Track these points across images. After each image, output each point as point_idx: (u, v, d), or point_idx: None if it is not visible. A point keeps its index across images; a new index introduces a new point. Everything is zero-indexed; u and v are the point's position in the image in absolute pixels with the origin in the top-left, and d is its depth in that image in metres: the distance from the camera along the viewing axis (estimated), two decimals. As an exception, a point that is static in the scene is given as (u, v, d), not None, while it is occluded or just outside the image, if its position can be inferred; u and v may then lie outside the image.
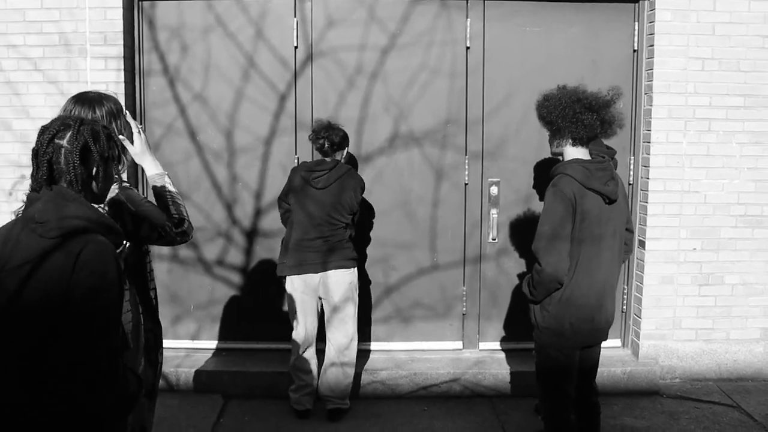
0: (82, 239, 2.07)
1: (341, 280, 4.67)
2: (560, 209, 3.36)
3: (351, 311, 4.76)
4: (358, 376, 5.15)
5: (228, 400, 5.11)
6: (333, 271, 4.64)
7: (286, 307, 5.35)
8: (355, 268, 4.78)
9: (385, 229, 5.52)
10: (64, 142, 2.16)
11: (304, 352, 4.76)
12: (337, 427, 4.72)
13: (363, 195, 4.87)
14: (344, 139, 4.74)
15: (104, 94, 3.02)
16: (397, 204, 5.49)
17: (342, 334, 4.76)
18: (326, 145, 4.65)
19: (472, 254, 5.53)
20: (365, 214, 5.43)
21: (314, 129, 4.74)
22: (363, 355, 5.48)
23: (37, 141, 2.18)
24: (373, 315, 5.61)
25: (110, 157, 2.29)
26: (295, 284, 4.69)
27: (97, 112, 2.92)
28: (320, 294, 4.71)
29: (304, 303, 4.71)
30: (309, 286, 4.67)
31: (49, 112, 5.13)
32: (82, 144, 2.18)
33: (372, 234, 5.51)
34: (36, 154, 2.18)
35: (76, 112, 2.86)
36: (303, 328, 4.74)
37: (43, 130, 2.19)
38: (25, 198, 2.29)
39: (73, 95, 2.99)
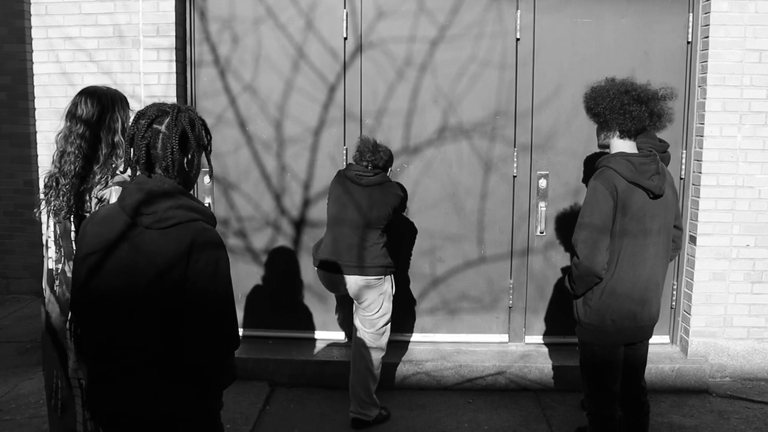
0: (190, 228, 2.09)
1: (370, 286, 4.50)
2: (600, 202, 3.32)
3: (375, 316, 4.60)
4: (400, 366, 5.19)
5: (274, 387, 5.19)
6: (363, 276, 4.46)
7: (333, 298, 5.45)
8: (389, 276, 4.56)
9: (433, 221, 5.51)
10: (163, 128, 2.14)
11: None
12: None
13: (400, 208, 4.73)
14: (388, 162, 4.58)
15: (107, 87, 3.16)
16: (446, 196, 5.48)
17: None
18: (369, 167, 4.50)
19: (520, 247, 5.50)
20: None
21: (359, 149, 4.54)
22: (408, 345, 5.52)
23: (132, 126, 2.17)
24: (420, 306, 5.62)
25: (203, 145, 2.28)
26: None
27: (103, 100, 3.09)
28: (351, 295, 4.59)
29: None
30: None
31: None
32: (180, 130, 2.16)
33: (420, 225, 5.52)
34: (132, 138, 2.16)
35: (82, 103, 3.02)
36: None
37: (140, 115, 2.17)
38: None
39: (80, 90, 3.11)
